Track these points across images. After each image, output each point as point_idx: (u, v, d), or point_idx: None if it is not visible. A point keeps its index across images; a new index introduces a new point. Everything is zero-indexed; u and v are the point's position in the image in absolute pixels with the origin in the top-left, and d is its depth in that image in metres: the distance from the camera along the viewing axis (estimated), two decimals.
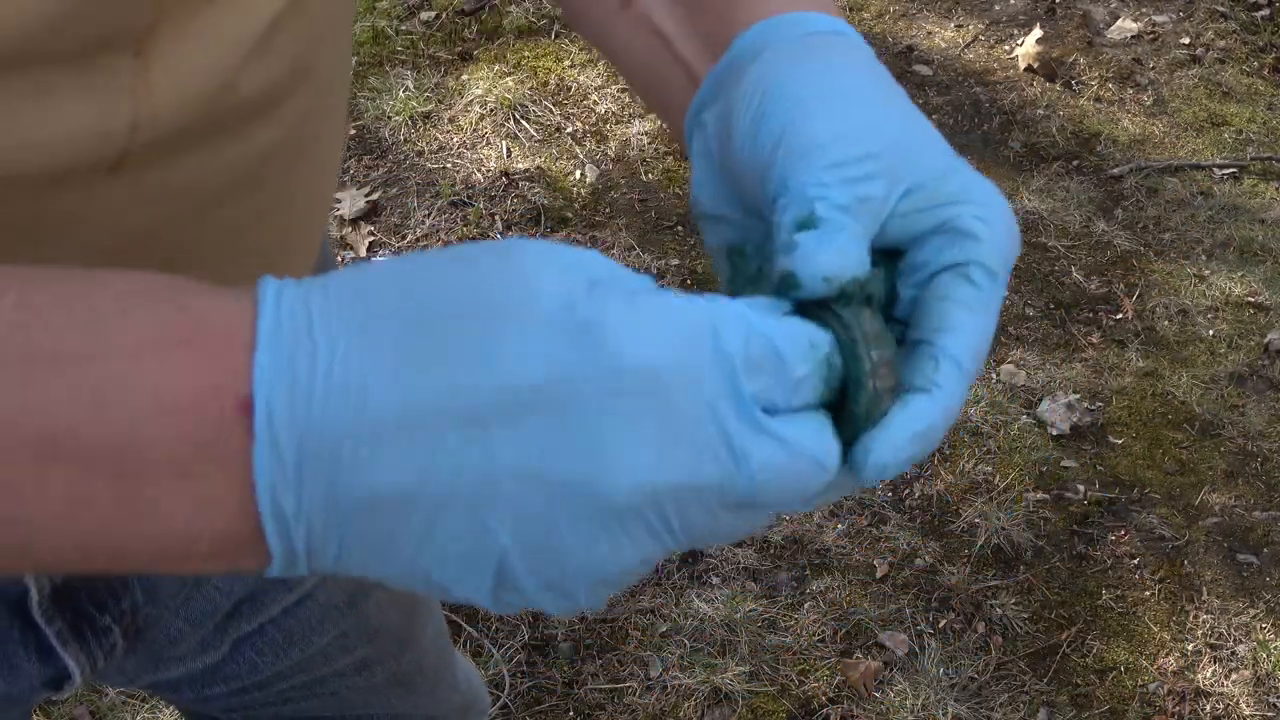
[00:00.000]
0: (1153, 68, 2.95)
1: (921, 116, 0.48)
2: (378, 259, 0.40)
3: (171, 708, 1.70)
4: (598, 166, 2.58)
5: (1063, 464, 2.09)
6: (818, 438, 0.40)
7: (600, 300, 0.37)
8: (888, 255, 0.47)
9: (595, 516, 0.37)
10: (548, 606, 0.39)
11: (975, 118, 2.77)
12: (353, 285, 0.38)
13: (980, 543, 1.96)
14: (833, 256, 0.42)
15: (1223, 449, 2.13)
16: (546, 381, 0.36)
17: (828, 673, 1.79)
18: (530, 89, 2.74)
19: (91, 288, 0.37)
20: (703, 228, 0.51)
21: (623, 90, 2.74)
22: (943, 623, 1.87)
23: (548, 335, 0.36)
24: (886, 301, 0.47)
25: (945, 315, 0.45)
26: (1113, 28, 3.07)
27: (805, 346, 0.40)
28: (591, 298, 0.37)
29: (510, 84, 2.75)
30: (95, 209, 0.48)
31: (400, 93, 2.73)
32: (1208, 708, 1.78)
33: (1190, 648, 1.85)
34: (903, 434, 0.42)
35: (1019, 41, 2.98)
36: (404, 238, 2.43)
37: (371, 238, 2.43)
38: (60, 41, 0.43)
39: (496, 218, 2.46)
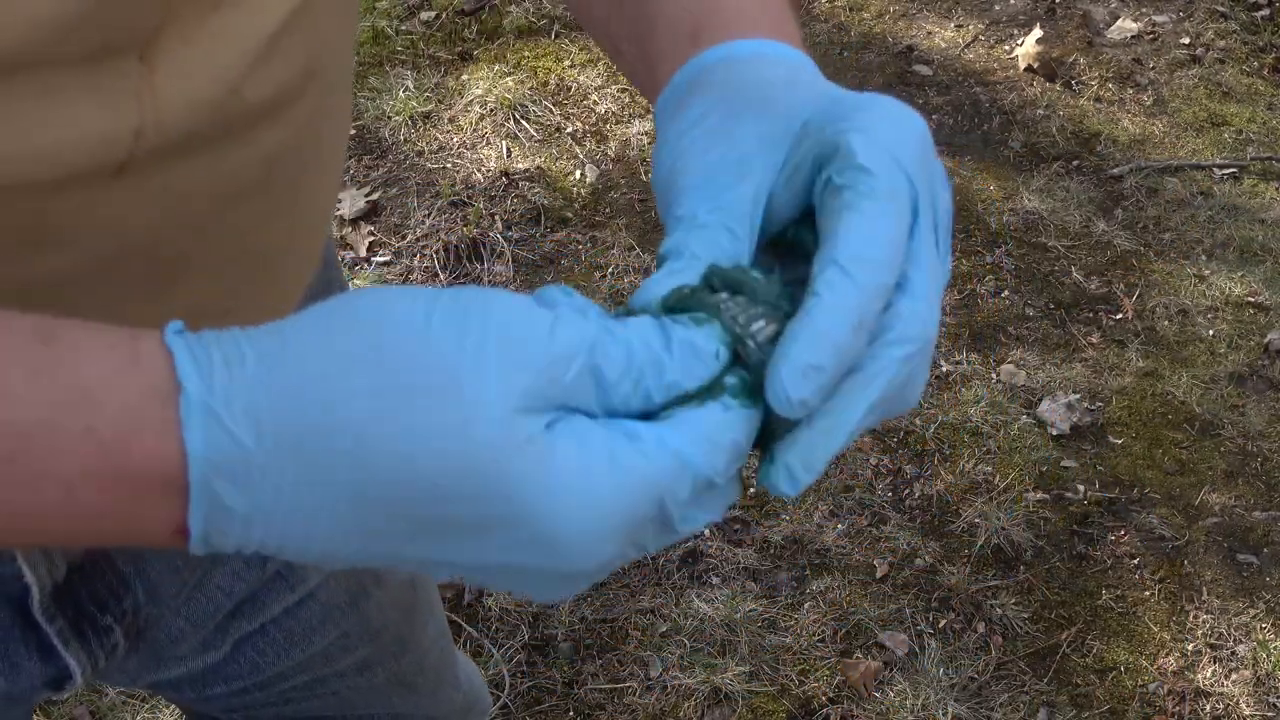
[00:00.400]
0: (1153, 68, 2.95)
1: (808, 82, 0.49)
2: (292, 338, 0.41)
3: (172, 708, 1.70)
4: (598, 166, 2.58)
5: (1063, 464, 2.09)
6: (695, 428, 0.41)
7: (535, 458, 0.39)
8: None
9: (554, 581, 0.41)
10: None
11: (975, 118, 2.77)
12: (285, 401, 0.38)
13: (980, 543, 1.96)
14: (642, 291, 0.44)
15: (1223, 449, 2.13)
16: (486, 562, 0.40)
17: (828, 673, 1.79)
18: (530, 89, 2.74)
19: (17, 449, 0.38)
20: None
21: (623, 90, 2.74)
22: (943, 623, 1.87)
23: (475, 510, 0.38)
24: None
25: (824, 229, 0.43)
26: (1113, 28, 3.07)
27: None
28: (520, 455, 0.38)
29: (510, 84, 2.75)
30: (98, 214, 0.48)
31: (400, 93, 2.73)
32: (1208, 708, 1.78)
33: (1190, 648, 1.85)
34: (795, 350, 0.41)
35: (1019, 41, 2.98)
36: (404, 237, 2.43)
37: (371, 238, 2.43)
38: (67, 45, 0.42)
39: (496, 217, 2.46)
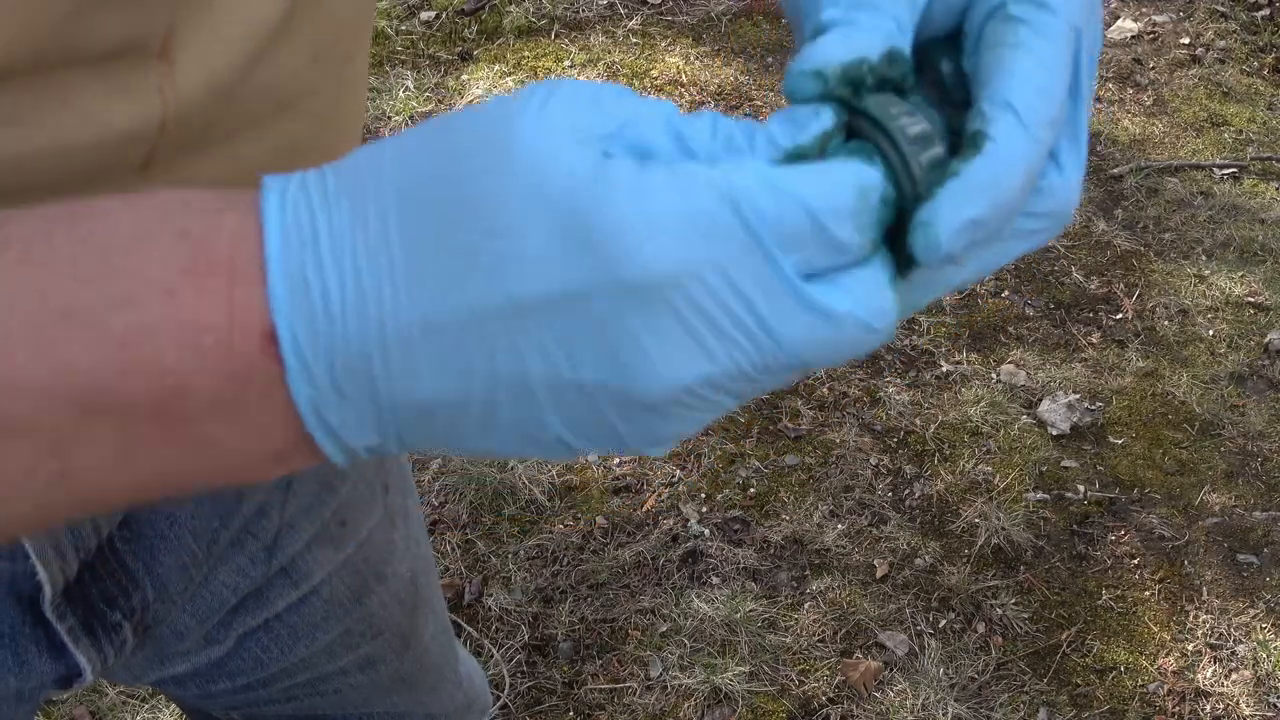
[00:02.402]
0: (1153, 68, 2.95)
1: None
2: (380, 140, 0.39)
3: (172, 707, 1.70)
4: None
5: (1063, 464, 2.09)
6: (868, 300, 0.36)
7: (606, 188, 0.35)
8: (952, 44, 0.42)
9: (639, 410, 0.36)
10: (626, 452, 0.39)
11: None
12: (354, 182, 0.36)
13: (980, 543, 1.96)
14: (816, 50, 0.38)
15: (1223, 449, 2.13)
16: (559, 293, 0.34)
17: (828, 673, 1.79)
18: None
19: (96, 226, 0.36)
20: None
21: None
22: (943, 623, 1.87)
23: (553, 242, 0.34)
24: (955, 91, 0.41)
25: (990, 65, 0.39)
26: (1113, 28, 3.07)
27: (850, 197, 0.36)
28: (597, 185, 0.35)
29: (510, 84, 2.75)
30: None
31: (400, 93, 2.73)
32: (1208, 708, 1.78)
33: (1190, 648, 1.85)
34: (961, 196, 0.36)
35: None
36: None
37: None
38: (84, 42, 0.43)
39: None
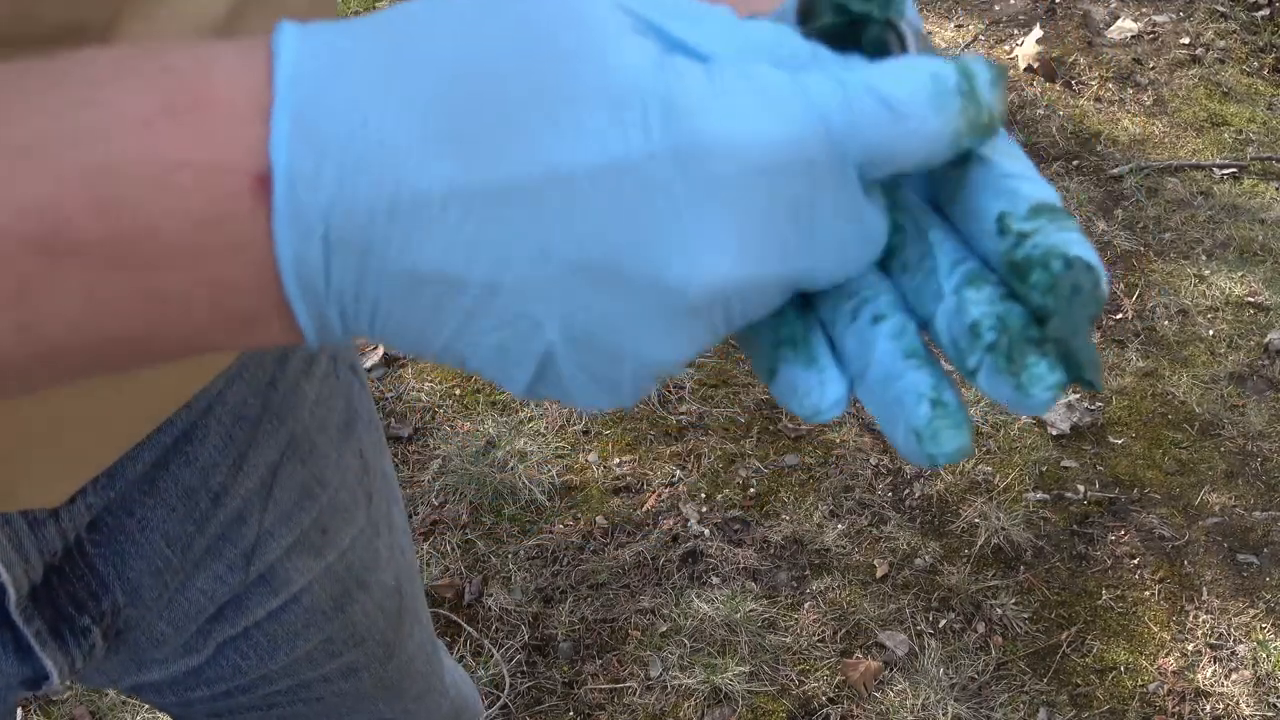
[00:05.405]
0: (1153, 68, 2.95)
1: None
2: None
3: None
4: None
5: (1063, 464, 2.09)
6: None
7: (676, 73, 0.33)
8: None
9: (658, 314, 0.34)
10: (586, 399, 0.36)
11: None
12: (386, 32, 0.33)
13: (980, 543, 1.96)
14: None
15: (1223, 449, 2.13)
16: (613, 164, 0.32)
17: (828, 673, 1.79)
18: None
19: (72, 67, 0.33)
20: None
21: None
22: (943, 623, 1.87)
23: (614, 110, 0.32)
24: None
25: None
26: (1113, 28, 3.07)
27: (925, 89, 0.34)
28: (664, 69, 0.33)
29: None
30: None
31: None
32: (1208, 708, 1.78)
33: (1190, 648, 1.85)
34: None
35: (1019, 41, 2.98)
36: None
37: None
38: (28, 27, 0.42)
39: None
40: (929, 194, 0.39)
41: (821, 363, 0.38)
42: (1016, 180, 0.36)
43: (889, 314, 0.37)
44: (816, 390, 0.37)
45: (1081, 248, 0.34)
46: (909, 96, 0.34)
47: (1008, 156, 0.37)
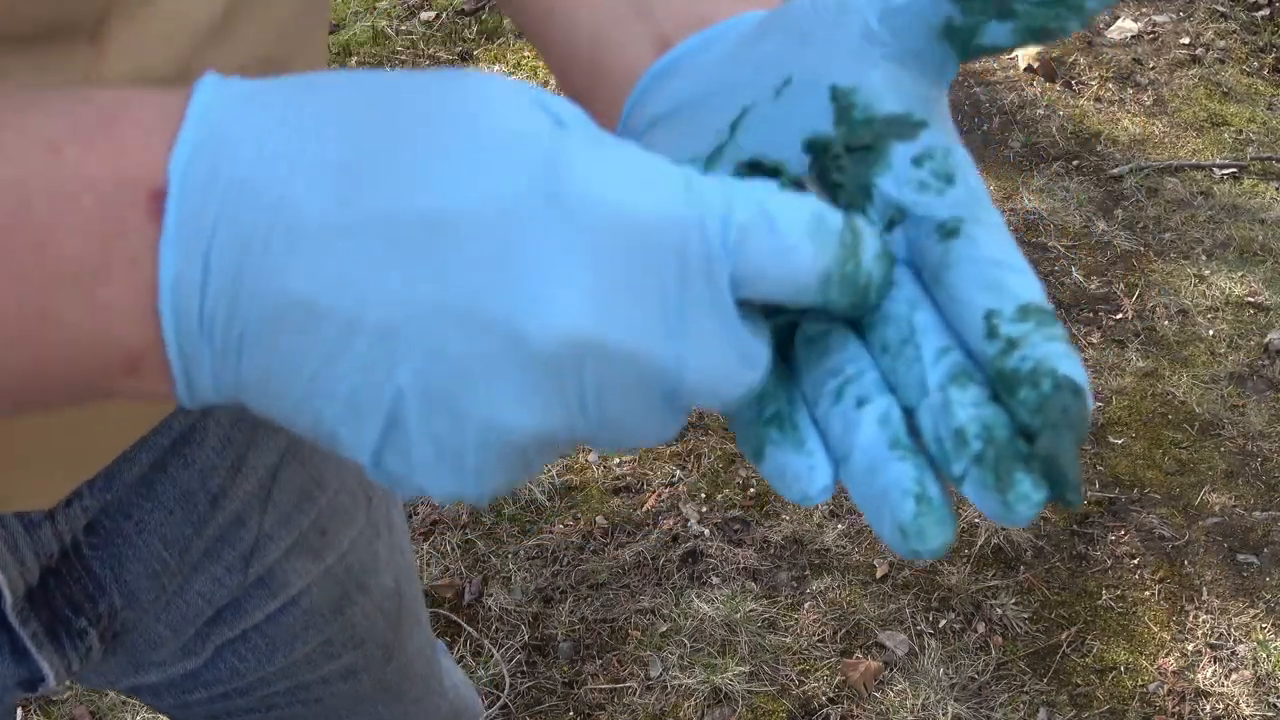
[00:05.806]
0: (1153, 68, 2.95)
1: None
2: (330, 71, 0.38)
3: None
4: None
5: None
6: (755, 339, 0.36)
7: (568, 135, 0.34)
8: None
9: (512, 361, 0.33)
10: (432, 482, 0.35)
11: (975, 118, 2.77)
12: (305, 83, 0.35)
13: (980, 543, 1.96)
14: None
15: (1223, 449, 2.13)
16: (491, 205, 0.33)
17: (828, 673, 1.79)
18: None
19: (3, 100, 0.34)
20: None
21: None
22: (943, 623, 1.87)
23: (501, 153, 0.33)
24: None
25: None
26: (1113, 28, 3.07)
27: (806, 219, 0.35)
28: (556, 131, 0.34)
29: None
30: None
31: None
32: (1208, 708, 1.78)
33: (1190, 648, 1.85)
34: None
35: None
36: None
37: None
38: (14, 24, 0.42)
39: None
40: (911, 263, 0.39)
41: (809, 446, 0.38)
42: (1004, 272, 0.36)
43: (873, 397, 0.37)
44: (806, 477, 0.38)
45: (1069, 364, 0.34)
46: (790, 219, 0.35)
47: (994, 233, 0.37)
